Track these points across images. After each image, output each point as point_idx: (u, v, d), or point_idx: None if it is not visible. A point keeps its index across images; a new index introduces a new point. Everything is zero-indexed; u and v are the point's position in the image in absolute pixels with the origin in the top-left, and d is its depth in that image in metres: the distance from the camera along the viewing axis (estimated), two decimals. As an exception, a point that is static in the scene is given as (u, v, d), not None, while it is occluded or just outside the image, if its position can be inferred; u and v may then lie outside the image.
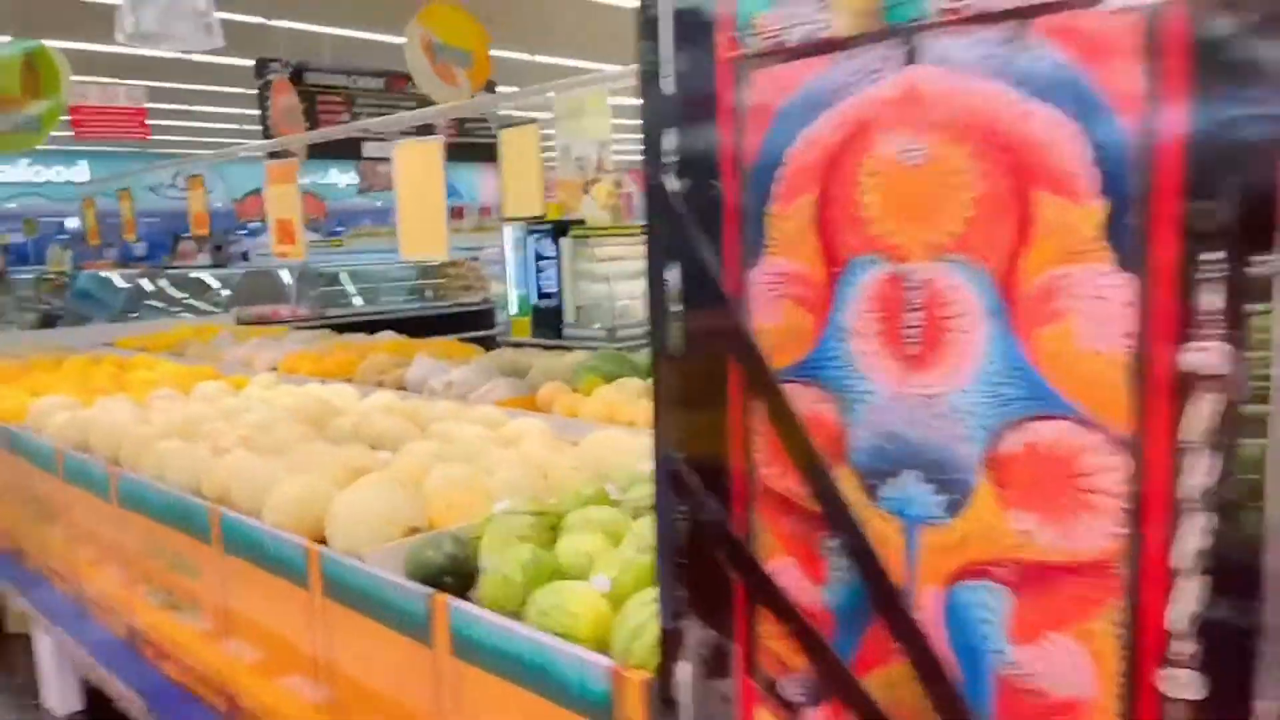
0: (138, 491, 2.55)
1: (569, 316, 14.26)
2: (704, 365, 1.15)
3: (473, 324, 11.74)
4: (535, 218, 3.32)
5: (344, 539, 1.90)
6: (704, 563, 1.17)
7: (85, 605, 3.01)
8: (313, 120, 9.64)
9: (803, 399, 1.04)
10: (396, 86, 10.60)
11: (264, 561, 2.07)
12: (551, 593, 1.53)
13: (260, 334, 5.83)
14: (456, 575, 1.71)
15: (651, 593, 1.41)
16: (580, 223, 13.54)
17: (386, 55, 10.14)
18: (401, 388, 3.99)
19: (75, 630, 2.94)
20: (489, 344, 11.93)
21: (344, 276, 11.72)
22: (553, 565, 1.65)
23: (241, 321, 8.28)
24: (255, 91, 9.68)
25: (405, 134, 3.80)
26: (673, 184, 1.14)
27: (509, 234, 14.75)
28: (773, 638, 1.10)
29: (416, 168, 3.49)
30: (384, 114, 8.16)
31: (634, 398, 3.24)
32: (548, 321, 14.56)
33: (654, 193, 1.16)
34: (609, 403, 3.15)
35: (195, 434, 2.75)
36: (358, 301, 11.74)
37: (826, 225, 0.99)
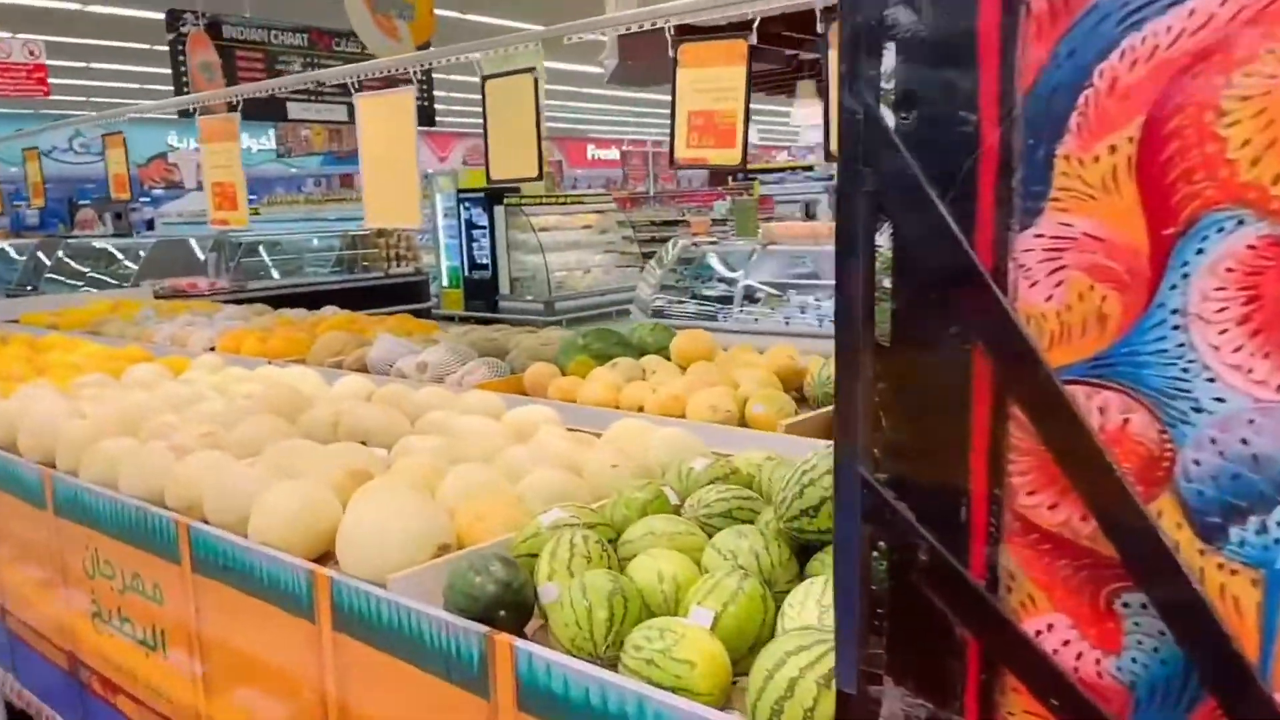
0: (80, 499, 2.16)
1: (504, 288, 13.84)
2: (931, 358, 0.87)
3: (406, 296, 11.22)
4: (525, 180, 2.97)
5: (360, 561, 1.57)
6: (916, 614, 0.90)
7: (16, 630, 2.59)
8: (231, 79, 8.94)
9: (1098, 406, 0.78)
10: (322, 44, 9.93)
11: (251, 586, 1.73)
12: (654, 634, 1.24)
13: (188, 309, 5.32)
14: (513, 608, 1.41)
15: (795, 640, 1.14)
16: (515, 190, 13.09)
17: (309, 10, 9.48)
18: (362, 369, 3.61)
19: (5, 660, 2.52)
20: (424, 318, 11.45)
21: (263, 247, 11.03)
22: (639, 596, 1.36)
23: (159, 296, 7.65)
24: (165, 47, 8.93)
25: (369, 86, 3.39)
26: (890, 117, 0.86)
27: (440, 202, 14.18)
28: (1027, 717, 0.85)
29: (383, 124, 3.11)
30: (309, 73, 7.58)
31: (634, 379, 2.96)
32: (482, 294, 14.09)
33: (853, 124, 0.88)
34: (609, 385, 2.86)
35: (142, 429, 2.35)
36: (279, 274, 11.08)
37: (1158, 170, 0.73)
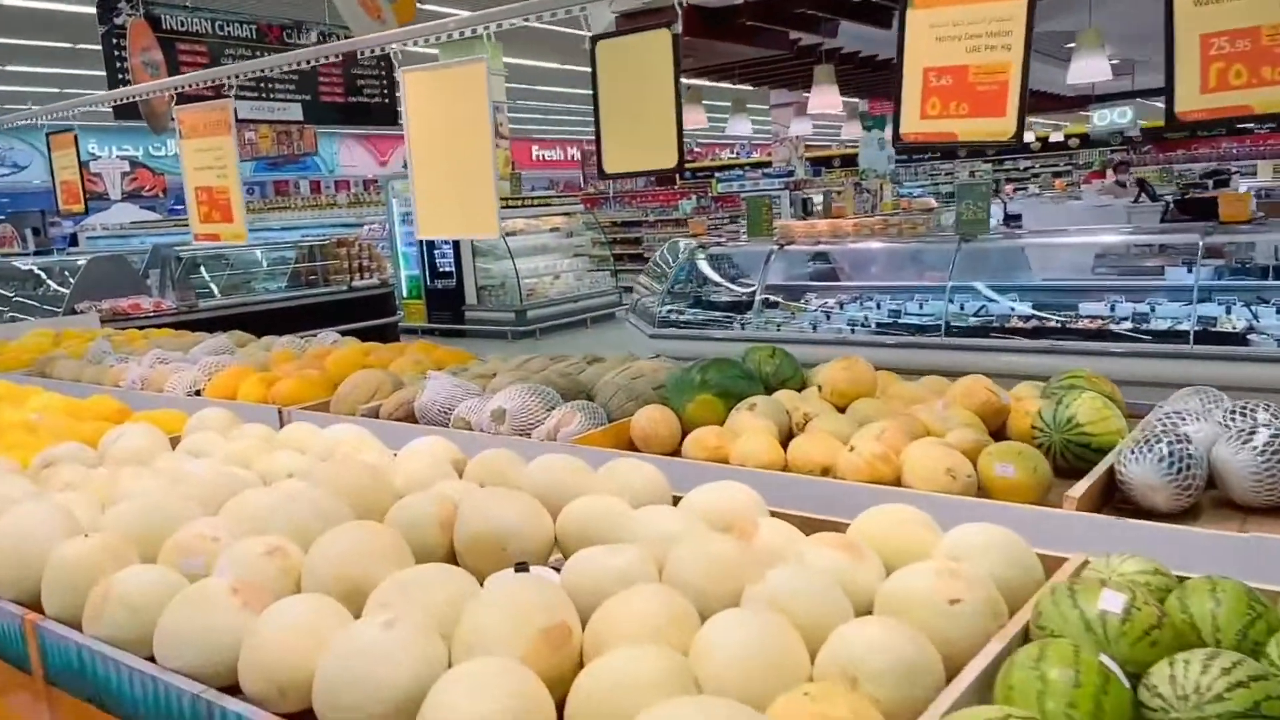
0: (94, 670, 1.42)
1: (470, 298, 13.00)
2: None
3: (371, 310, 10.32)
4: (661, 171, 2.30)
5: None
6: None
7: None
8: (172, 73, 8.00)
9: None
10: (271, 36, 9.03)
11: None
12: None
13: (146, 339, 4.48)
14: None
15: None
16: (482, 194, 12.30)
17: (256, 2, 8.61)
18: (408, 416, 2.89)
19: None
20: (389, 333, 10.58)
21: (210, 262, 10.05)
22: None
23: (103, 321, 6.72)
24: (89, 46, 7.95)
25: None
26: None
27: (395, 208, 13.28)
28: None
29: (444, 108, 2.39)
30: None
31: (788, 425, 2.31)
32: (447, 305, 13.23)
33: None
34: (770, 438, 2.20)
35: (167, 545, 1.61)
36: (230, 291, 10.11)
37: None
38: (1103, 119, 14.20)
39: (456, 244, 12.62)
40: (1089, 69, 6.05)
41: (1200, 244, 5.35)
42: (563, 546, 1.65)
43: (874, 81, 11.09)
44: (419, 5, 11.50)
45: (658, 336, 6.95)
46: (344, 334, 4.25)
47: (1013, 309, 5.96)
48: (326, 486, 1.82)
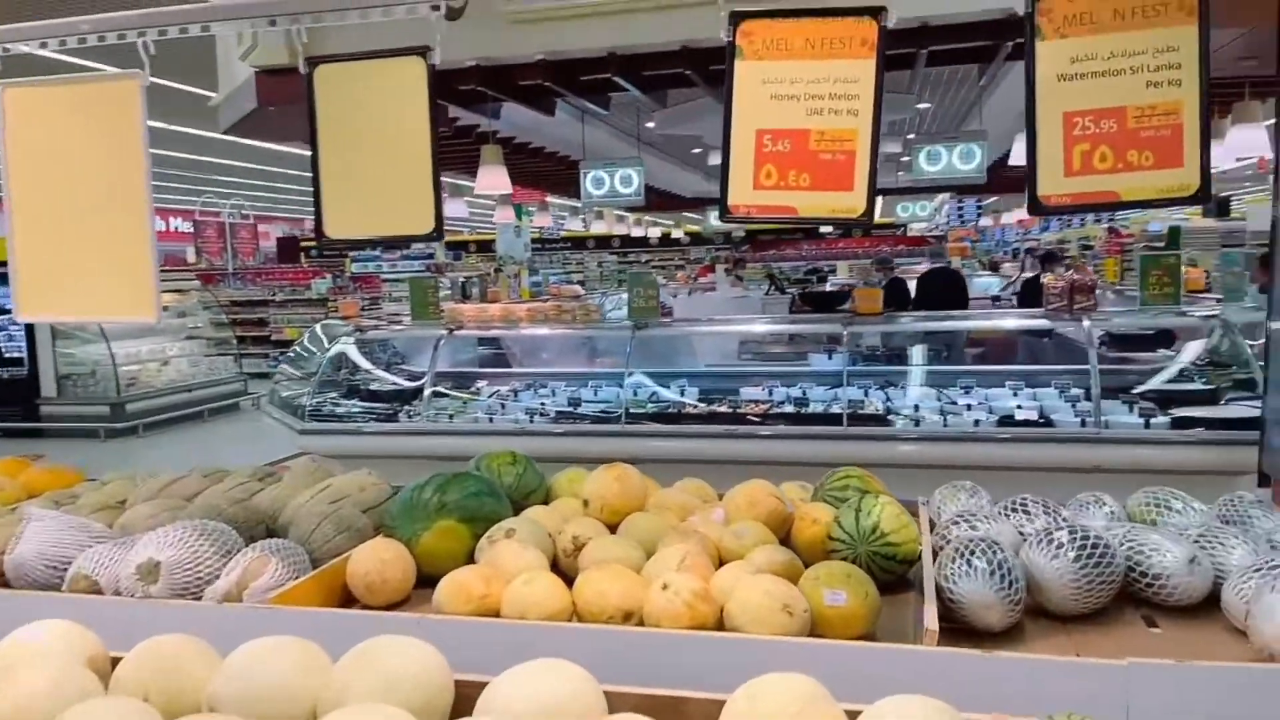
0: None
1: (47, 389, 10.66)
2: None
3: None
4: (411, 238, 1.76)
5: None
6: None
7: None
8: None
9: None
10: None
11: None
12: None
13: None
14: None
15: None
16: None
17: None
18: (-9, 580, 2.00)
19: None
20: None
21: None
22: None
23: None
24: None
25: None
26: None
27: (-59, 278, 10.63)
28: None
29: (74, 139, 1.68)
30: None
31: (561, 554, 1.89)
32: (13, 398, 10.72)
33: None
34: (551, 581, 1.76)
35: None
36: None
37: None
38: (717, 219, 15.72)
39: (30, 324, 10.36)
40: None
41: (844, 333, 5.85)
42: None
43: (530, 170, 11.18)
44: None
45: (310, 432, 6.08)
46: None
47: (684, 394, 6.06)
48: None
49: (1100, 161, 1.50)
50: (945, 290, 7.56)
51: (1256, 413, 4.93)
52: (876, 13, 1.50)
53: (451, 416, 6.02)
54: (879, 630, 1.71)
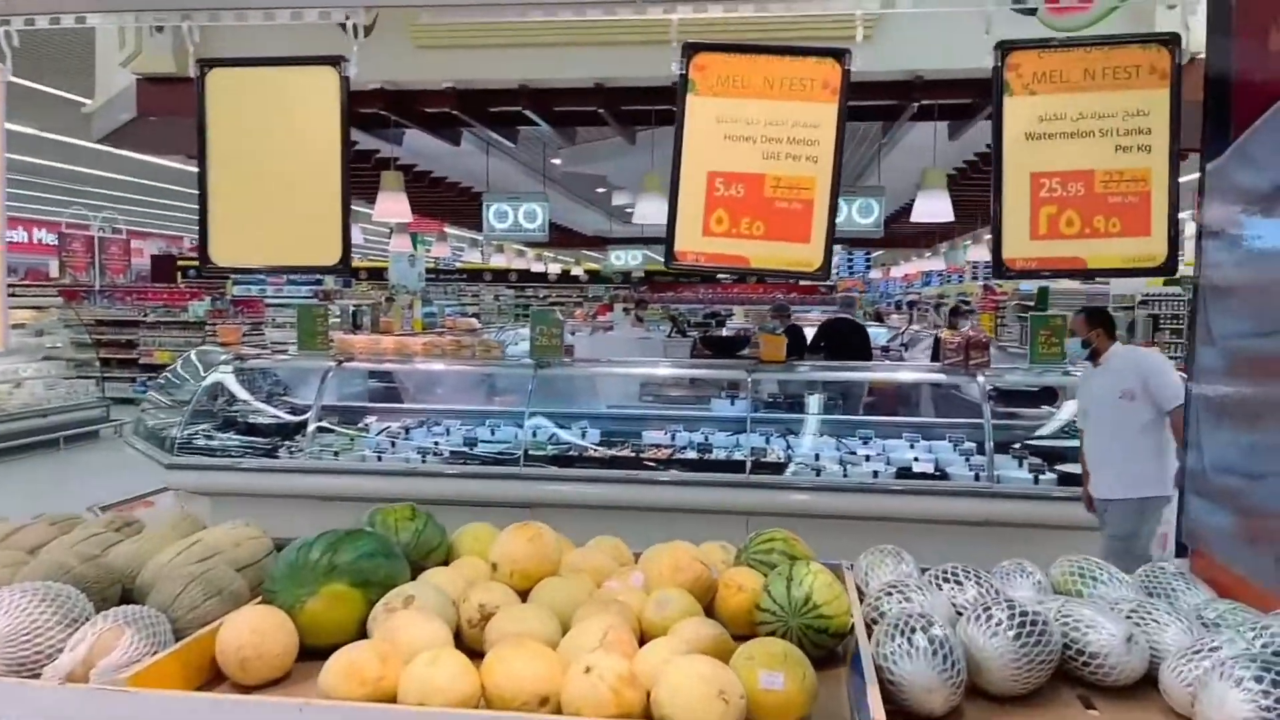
0: None
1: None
2: None
3: None
4: (317, 269, 1.56)
5: None
6: None
7: None
8: None
9: None
10: None
11: None
12: None
13: None
14: None
15: None
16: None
17: None
18: None
19: None
20: None
21: None
22: None
23: None
24: None
25: None
26: None
27: None
28: None
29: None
30: None
31: (471, 624, 1.71)
32: None
33: None
34: (460, 665, 1.57)
35: None
36: None
37: None
38: (618, 259, 15.73)
39: None
40: (647, 211, 6.43)
41: (748, 379, 5.82)
42: None
43: (430, 199, 10.90)
44: None
45: (179, 466, 5.63)
46: None
47: (585, 437, 5.90)
48: None
49: (1067, 226, 1.45)
50: (848, 339, 7.71)
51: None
52: (839, 55, 1.42)
53: (337, 454, 5.68)
54: (814, 716, 1.59)
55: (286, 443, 5.84)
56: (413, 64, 5.31)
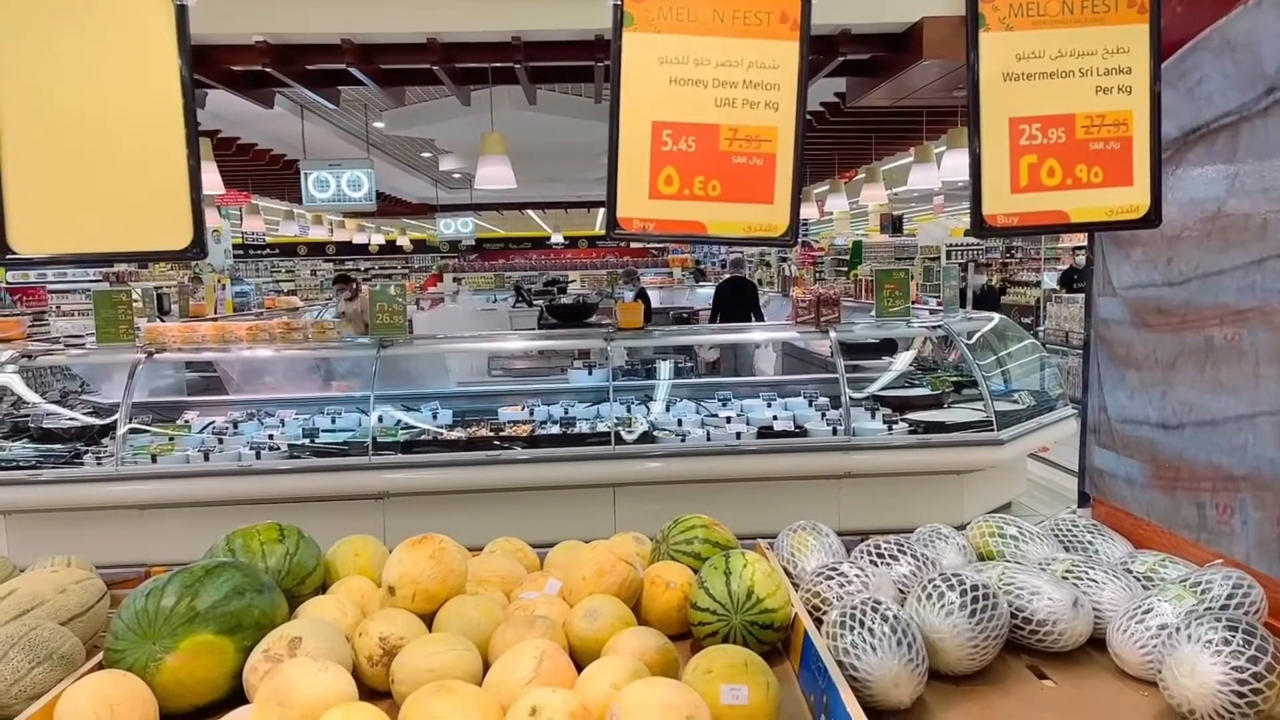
0: None
1: None
2: None
3: None
4: (160, 255, 1.23)
5: None
6: None
7: None
8: None
9: None
10: None
11: None
12: None
13: None
14: None
15: None
16: None
17: None
18: None
19: None
20: None
21: None
22: None
23: None
24: None
25: None
26: None
27: None
28: None
29: None
30: None
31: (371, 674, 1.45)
32: None
33: None
34: (368, 717, 1.32)
35: None
36: None
37: None
38: (448, 227, 15.11)
39: None
40: (492, 175, 6.09)
41: (607, 348, 5.65)
42: None
43: (236, 168, 9.98)
44: None
45: (-43, 486, 4.85)
46: None
47: (437, 418, 5.56)
48: None
49: (1048, 176, 1.35)
50: (744, 294, 8.25)
51: (981, 415, 5.41)
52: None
53: (154, 456, 5.07)
54: (777, 723, 1.45)
55: (91, 448, 5.16)
56: (217, 15, 4.71)
